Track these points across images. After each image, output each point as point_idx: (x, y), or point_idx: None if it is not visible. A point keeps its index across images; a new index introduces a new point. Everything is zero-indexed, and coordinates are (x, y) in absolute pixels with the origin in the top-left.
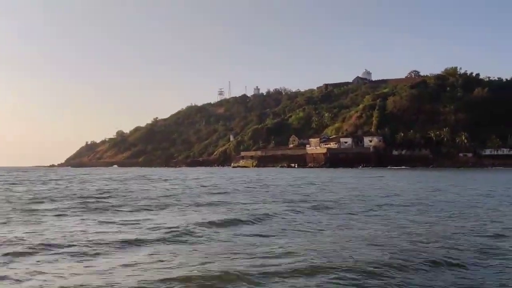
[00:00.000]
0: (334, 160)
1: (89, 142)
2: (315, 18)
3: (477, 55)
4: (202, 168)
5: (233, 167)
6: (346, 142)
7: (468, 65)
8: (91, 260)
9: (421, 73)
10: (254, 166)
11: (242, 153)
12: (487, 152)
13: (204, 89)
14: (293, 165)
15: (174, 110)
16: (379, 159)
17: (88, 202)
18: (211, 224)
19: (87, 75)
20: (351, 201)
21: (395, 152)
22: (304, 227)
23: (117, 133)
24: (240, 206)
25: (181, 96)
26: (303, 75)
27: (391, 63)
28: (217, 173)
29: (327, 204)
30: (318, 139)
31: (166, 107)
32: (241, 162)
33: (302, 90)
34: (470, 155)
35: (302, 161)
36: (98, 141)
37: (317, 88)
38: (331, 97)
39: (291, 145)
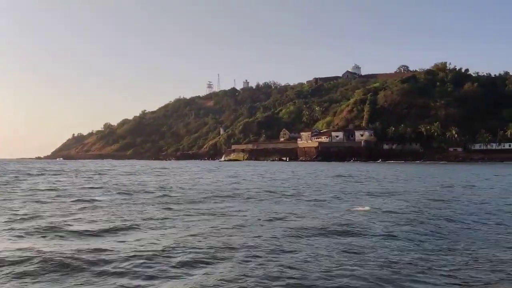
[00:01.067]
0: (325, 153)
1: (76, 135)
2: (304, 12)
3: (465, 51)
4: (195, 162)
5: (224, 160)
6: (337, 136)
7: (456, 61)
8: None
9: (410, 68)
10: (245, 160)
11: (233, 147)
12: (477, 147)
13: (192, 81)
14: (284, 158)
15: (161, 103)
16: (370, 153)
17: (166, 195)
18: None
19: (72, 67)
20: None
21: (385, 146)
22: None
23: (105, 125)
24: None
25: (168, 88)
26: (292, 69)
27: (380, 58)
28: (223, 167)
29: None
30: (310, 133)
31: (154, 99)
32: (232, 156)
33: (291, 84)
34: (460, 149)
35: (294, 155)
36: (85, 133)
37: (307, 82)
38: (321, 91)
39: (282, 139)
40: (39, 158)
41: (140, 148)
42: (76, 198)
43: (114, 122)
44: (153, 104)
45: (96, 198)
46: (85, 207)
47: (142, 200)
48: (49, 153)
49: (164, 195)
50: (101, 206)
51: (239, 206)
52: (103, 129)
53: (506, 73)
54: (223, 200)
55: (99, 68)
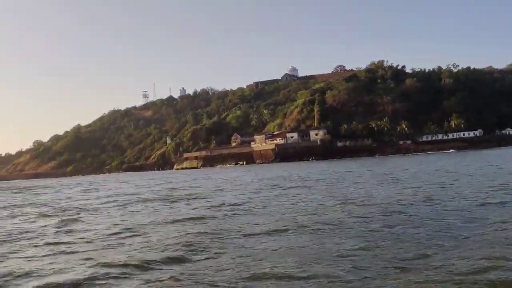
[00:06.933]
0: (283, 155)
1: (3, 154)
2: (233, 14)
3: (395, 48)
4: (147, 173)
5: (177, 169)
6: (292, 137)
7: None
8: None
9: (347, 68)
10: (200, 167)
11: (185, 155)
12: (424, 138)
13: (123, 92)
14: (240, 163)
15: (94, 116)
16: (326, 151)
17: None
18: None
19: None
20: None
21: (339, 144)
22: None
23: (35, 142)
24: None
25: (99, 101)
26: (228, 74)
27: (314, 59)
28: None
29: None
30: (263, 135)
31: (84, 112)
32: (185, 164)
33: (228, 89)
34: (409, 142)
35: (250, 159)
36: (13, 152)
37: (247, 86)
38: (264, 94)
39: (233, 144)
40: None
41: (80, 163)
42: None
43: (42, 138)
44: (84, 117)
45: None
46: None
47: None
48: None
49: None
50: None
51: None
52: (33, 146)
53: (439, 67)
54: None
55: (18, 77)
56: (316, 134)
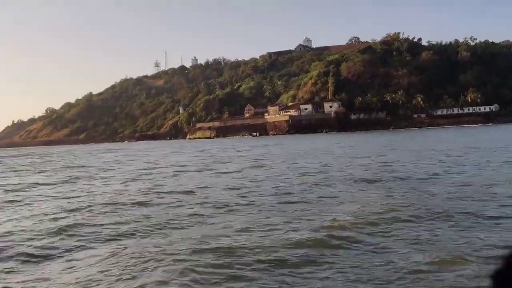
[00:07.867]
0: (297, 126)
1: (15, 121)
2: None
3: (409, 20)
4: (165, 142)
5: (190, 139)
6: (306, 109)
7: (405, 31)
8: None
9: (361, 39)
10: (214, 137)
11: (198, 125)
12: (439, 112)
13: (134, 61)
14: (254, 134)
15: (105, 84)
16: (341, 124)
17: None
18: None
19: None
20: None
21: (353, 117)
22: None
23: (47, 110)
24: None
25: (110, 69)
26: (240, 44)
27: (328, 30)
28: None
29: None
30: (277, 107)
31: (94, 81)
32: (198, 134)
33: (240, 59)
34: (423, 115)
35: (263, 130)
36: (25, 119)
37: (260, 57)
38: (277, 65)
39: (247, 115)
40: None
41: (93, 131)
42: None
43: (52, 105)
44: (95, 87)
45: None
46: None
47: None
48: None
49: None
50: None
51: None
52: (45, 114)
53: (456, 40)
54: None
55: (32, 47)
56: (331, 107)
